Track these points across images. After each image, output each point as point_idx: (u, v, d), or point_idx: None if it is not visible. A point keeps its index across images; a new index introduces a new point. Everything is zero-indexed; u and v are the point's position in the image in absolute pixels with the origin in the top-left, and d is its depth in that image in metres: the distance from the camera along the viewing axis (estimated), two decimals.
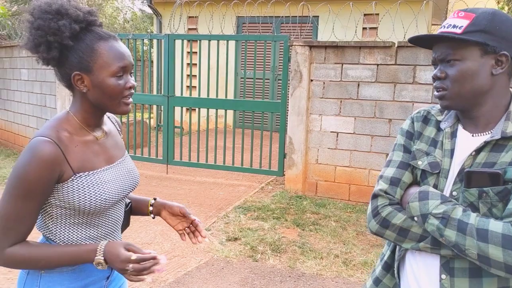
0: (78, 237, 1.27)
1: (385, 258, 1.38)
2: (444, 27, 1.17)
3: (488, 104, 1.17)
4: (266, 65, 7.95)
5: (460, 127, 1.24)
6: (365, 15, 6.97)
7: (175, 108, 6.08)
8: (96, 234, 1.30)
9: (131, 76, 1.29)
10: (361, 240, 3.98)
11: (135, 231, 4.00)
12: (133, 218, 1.58)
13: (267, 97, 7.89)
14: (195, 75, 7.83)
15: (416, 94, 4.73)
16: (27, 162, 1.14)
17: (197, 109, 6.04)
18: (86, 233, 1.28)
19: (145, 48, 14.32)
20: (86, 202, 1.22)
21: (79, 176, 1.21)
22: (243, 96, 5.87)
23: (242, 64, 8.47)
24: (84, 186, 1.22)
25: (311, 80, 5.14)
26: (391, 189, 1.27)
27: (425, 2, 5.41)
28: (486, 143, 1.15)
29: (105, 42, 1.24)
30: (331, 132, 5.11)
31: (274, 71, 5.48)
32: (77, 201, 1.21)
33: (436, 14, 9.82)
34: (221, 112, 6.24)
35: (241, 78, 8.44)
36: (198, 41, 5.81)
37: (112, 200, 1.28)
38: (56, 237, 1.26)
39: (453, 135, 1.23)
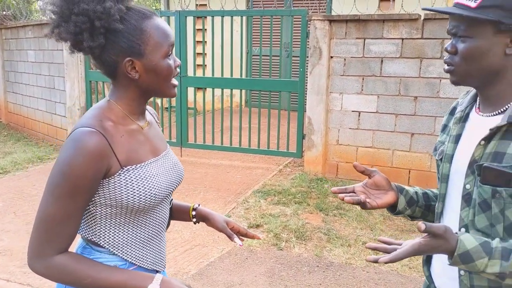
0: (124, 238, 1.16)
1: None
2: None
3: (502, 84, 1.07)
4: (279, 42, 7.65)
5: (473, 110, 1.16)
6: None
7: (187, 89, 5.87)
8: (143, 235, 1.19)
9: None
10: (389, 225, 3.81)
11: None
12: None
13: (277, 75, 7.61)
14: (200, 53, 7.52)
15: None
16: (72, 156, 1.03)
17: (210, 89, 5.82)
18: (133, 234, 1.17)
19: None
20: (135, 198, 1.11)
21: (126, 170, 1.10)
22: (258, 75, 5.63)
23: (254, 41, 8.18)
24: (132, 180, 1.10)
25: (331, 57, 4.88)
26: None
27: None
28: (496, 129, 1.04)
29: (150, 20, 1.11)
30: (352, 111, 4.87)
31: (290, 48, 5.22)
32: (125, 197, 1.10)
33: None
34: (234, 91, 6.00)
35: (253, 55, 8.16)
36: (211, 17, 5.54)
37: (161, 196, 1.17)
38: (101, 239, 1.14)
39: (463, 119, 1.16)
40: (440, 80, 4.48)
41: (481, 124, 1.10)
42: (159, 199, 1.18)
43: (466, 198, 1.09)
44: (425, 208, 1.30)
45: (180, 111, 5.85)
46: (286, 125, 5.46)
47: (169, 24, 6.13)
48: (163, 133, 1.37)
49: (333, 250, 3.38)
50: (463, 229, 1.10)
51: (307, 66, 5.01)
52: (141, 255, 1.20)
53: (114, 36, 1.08)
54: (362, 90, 4.80)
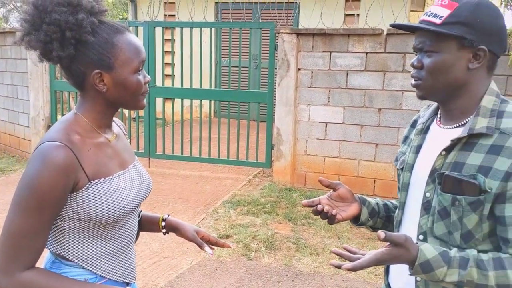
0: (93, 252, 1.16)
1: None
2: (427, 14, 1.12)
3: (464, 97, 1.13)
4: (248, 53, 7.74)
5: (434, 122, 1.21)
6: (346, 0, 6.81)
7: (156, 99, 5.84)
8: (113, 248, 1.20)
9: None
10: (355, 234, 3.90)
11: None
12: None
13: (246, 86, 7.69)
14: (169, 63, 7.51)
15: (406, 83, 4.64)
16: (39, 170, 1.03)
17: (179, 100, 5.82)
18: (102, 247, 1.17)
19: None
20: (104, 212, 1.11)
21: (94, 184, 1.11)
22: (228, 85, 5.67)
23: (223, 52, 8.24)
24: (100, 194, 1.11)
25: (299, 69, 4.99)
26: None
27: None
28: (457, 140, 1.10)
29: (122, 35, 1.13)
30: (319, 122, 4.98)
31: (259, 59, 5.30)
32: (94, 211, 1.10)
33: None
34: (203, 101, 6.02)
35: (222, 66, 8.21)
36: (180, 28, 5.55)
37: (129, 208, 1.18)
38: (70, 253, 1.14)
39: (424, 131, 1.23)
40: (403, 93, 4.66)
41: (441, 135, 1.15)
42: (128, 212, 1.19)
43: (426, 206, 1.15)
44: (385, 219, 1.37)
45: (148, 122, 5.81)
46: (255, 135, 5.52)
47: (137, 34, 6.11)
48: (130, 143, 1.38)
49: (302, 259, 3.43)
50: (421, 237, 1.16)
51: (276, 77, 5.10)
52: (111, 268, 1.20)
53: (84, 48, 1.09)
54: (328, 101, 4.92)
